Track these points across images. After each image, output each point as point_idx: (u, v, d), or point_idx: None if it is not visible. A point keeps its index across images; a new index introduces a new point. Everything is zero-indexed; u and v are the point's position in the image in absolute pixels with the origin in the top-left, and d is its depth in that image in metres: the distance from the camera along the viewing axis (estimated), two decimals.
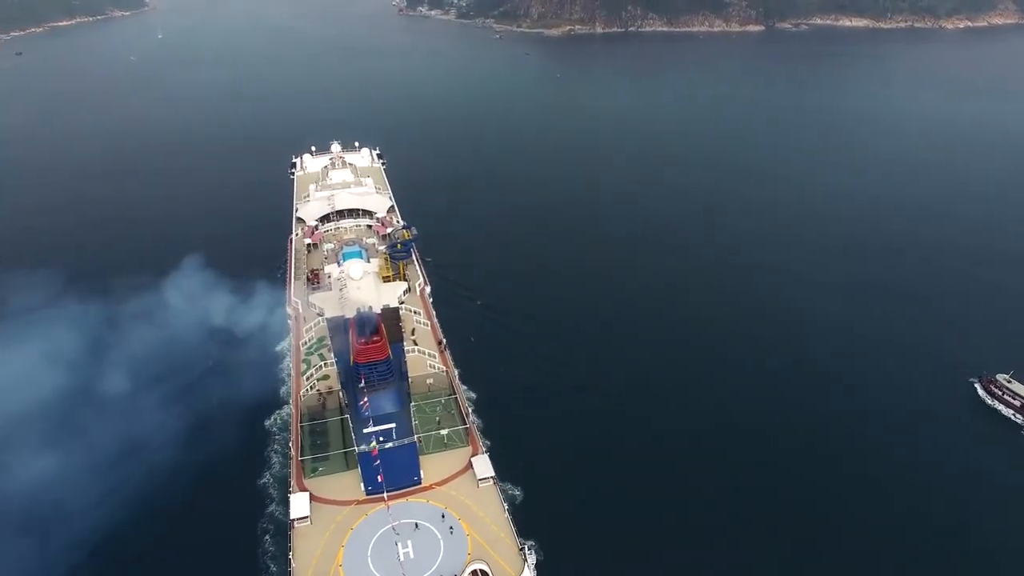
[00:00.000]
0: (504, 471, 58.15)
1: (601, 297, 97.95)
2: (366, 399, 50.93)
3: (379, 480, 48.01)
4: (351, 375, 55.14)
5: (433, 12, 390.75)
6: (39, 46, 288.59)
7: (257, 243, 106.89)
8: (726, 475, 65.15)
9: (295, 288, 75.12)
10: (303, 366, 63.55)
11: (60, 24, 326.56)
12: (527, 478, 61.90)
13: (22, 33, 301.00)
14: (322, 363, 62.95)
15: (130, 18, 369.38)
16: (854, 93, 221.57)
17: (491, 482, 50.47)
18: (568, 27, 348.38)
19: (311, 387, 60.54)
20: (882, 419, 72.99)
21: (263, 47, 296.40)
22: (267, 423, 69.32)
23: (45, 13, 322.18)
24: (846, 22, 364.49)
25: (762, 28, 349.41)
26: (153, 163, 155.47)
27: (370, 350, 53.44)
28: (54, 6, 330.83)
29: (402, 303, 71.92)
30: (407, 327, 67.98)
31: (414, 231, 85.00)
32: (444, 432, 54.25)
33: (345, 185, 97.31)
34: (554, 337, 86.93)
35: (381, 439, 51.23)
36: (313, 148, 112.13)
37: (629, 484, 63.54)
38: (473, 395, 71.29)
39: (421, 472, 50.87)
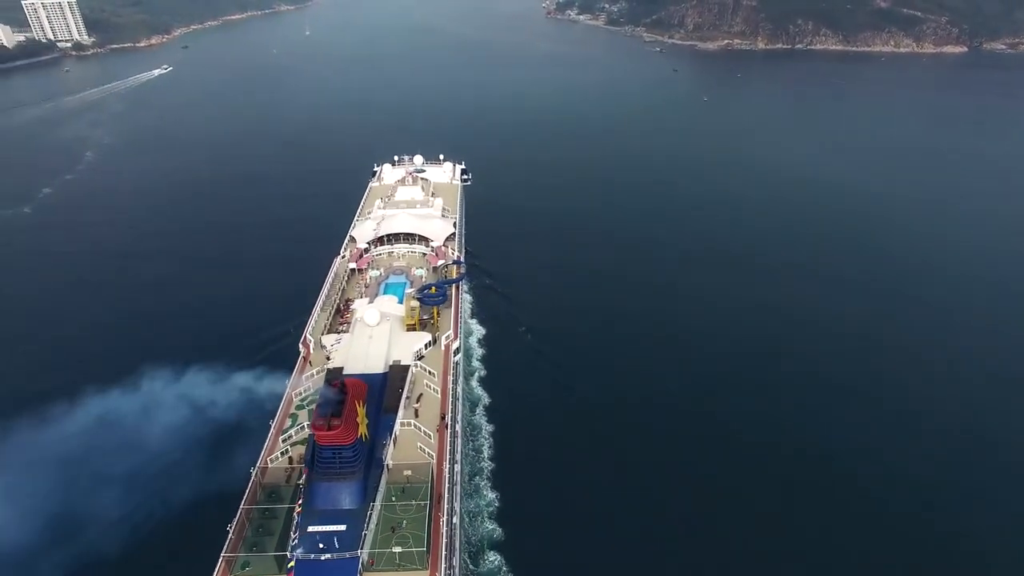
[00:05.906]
0: None
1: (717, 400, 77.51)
2: (299, 503, 41.17)
3: None
4: (315, 454, 45.88)
5: (582, 17, 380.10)
6: (205, 40, 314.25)
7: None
8: None
9: (316, 321, 67.95)
10: (287, 421, 55.37)
11: (232, 18, 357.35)
12: None
13: (200, 26, 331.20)
14: (308, 423, 54.42)
15: (294, 12, 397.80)
16: None
17: None
18: (726, 41, 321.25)
19: (284, 451, 52.09)
20: None
21: (402, 46, 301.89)
22: None
23: (222, 7, 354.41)
24: None
25: (964, 50, 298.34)
26: (249, 158, 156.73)
27: (329, 436, 43.74)
28: (231, 1, 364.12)
29: (421, 358, 61.75)
30: (414, 392, 57.69)
31: (463, 269, 75.39)
32: (398, 551, 43.10)
33: (411, 204, 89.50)
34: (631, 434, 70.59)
35: (322, 545, 41.71)
36: (395, 158, 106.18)
37: None
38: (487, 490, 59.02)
39: None
